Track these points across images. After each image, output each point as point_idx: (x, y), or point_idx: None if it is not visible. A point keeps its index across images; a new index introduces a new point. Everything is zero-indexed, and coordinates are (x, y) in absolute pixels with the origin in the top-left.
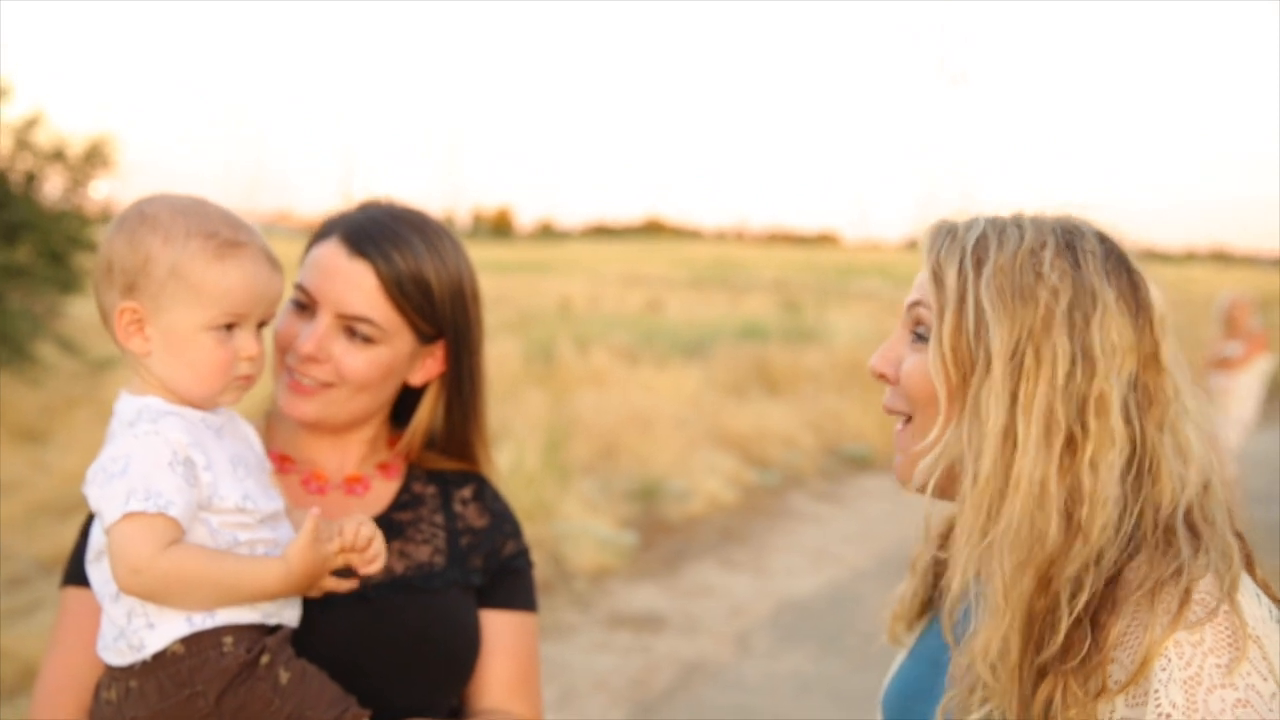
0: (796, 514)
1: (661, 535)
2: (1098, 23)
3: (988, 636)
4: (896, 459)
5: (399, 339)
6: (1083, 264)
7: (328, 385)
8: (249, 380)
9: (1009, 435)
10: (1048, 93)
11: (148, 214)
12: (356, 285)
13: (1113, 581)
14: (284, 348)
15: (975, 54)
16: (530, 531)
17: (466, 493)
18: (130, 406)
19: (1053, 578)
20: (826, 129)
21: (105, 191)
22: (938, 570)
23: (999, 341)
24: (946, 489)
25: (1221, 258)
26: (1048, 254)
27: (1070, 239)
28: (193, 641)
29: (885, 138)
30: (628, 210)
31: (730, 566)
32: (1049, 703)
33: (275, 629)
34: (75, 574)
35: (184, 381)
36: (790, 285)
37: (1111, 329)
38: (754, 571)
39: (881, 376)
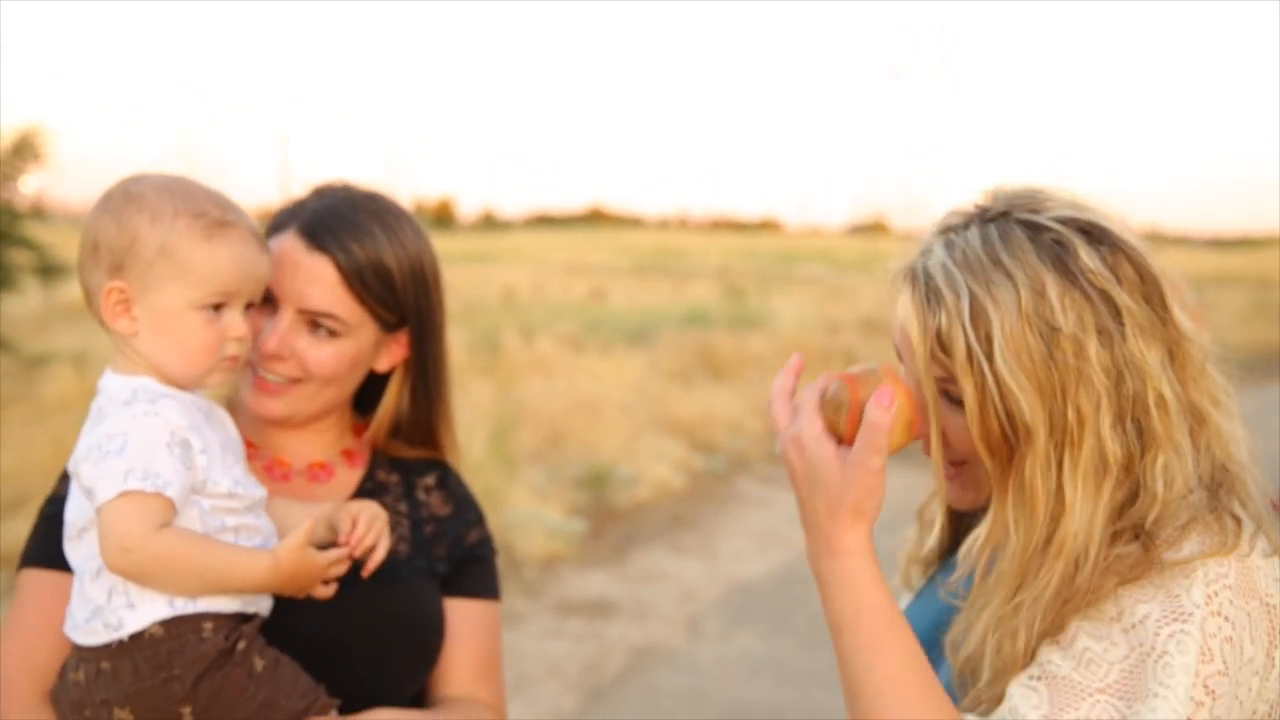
0: (744, 498)
1: (610, 522)
2: (1037, 14)
3: (986, 618)
4: (950, 489)
5: (363, 330)
6: (1090, 282)
7: (295, 381)
8: (236, 361)
9: (1059, 500)
10: (987, 83)
11: (134, 193)
12: (317, 280)
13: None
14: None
15: (914, 49)
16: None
17: (430, 481)
18: (124, 386)
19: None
20: (767, 117)
21: (35, 186)
22: (952, 515)
23: (1030, 414)
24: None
25: (1155, 238)
26: (1052, 295)
27: (1061, 259)
28: (172, 625)
29: (825, 125)
30: (570, 199)
31: (679, 551)
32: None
33: (250, 617)
34: (35, 556)
35: (171, 361)
36: (733, 271)
37: (1138, 335)
38: (703, 556)
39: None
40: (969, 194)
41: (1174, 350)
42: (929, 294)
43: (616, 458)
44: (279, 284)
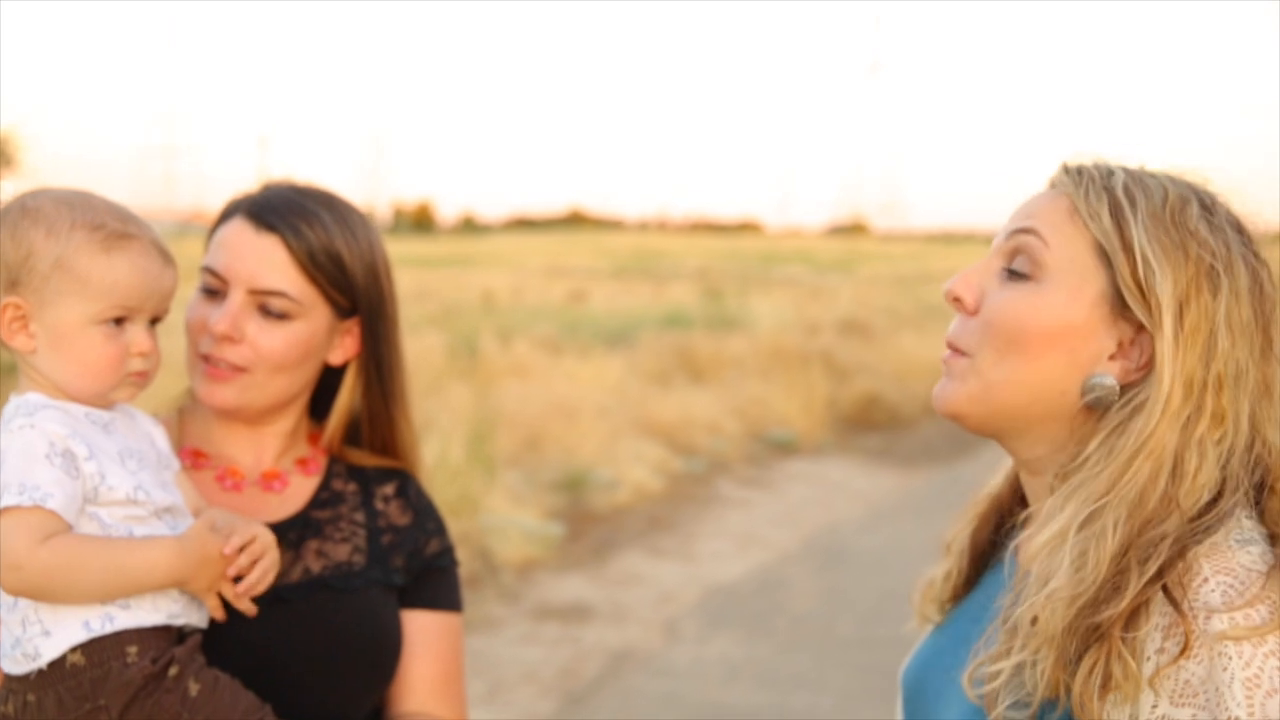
0: (723, 500)
1: (588, 525)
2: (1014, 12)
3: (1063, 584)
4: (943, 385)
5: (315, 313)
6: (1222, 231)
7: (244, 369)
8: (143, 377)
9: (1160, 401)
10: (969, 80)
11: (30, 207)
12: (267, 259)
13: (1182, 556)
14: (197, 334)
15: (893, 45)
16: (456, 525)
17: (389, 490)
18: (10, 406)
19: (1134, 543)
20: (747, 119)
21: (9, 190)
22: (975, 551)
23: (1168, 295)
24: (984, 419)
25: None
26: (1193, 211)
27: (1208, 202)
28: (94, 651)
29: (805, 127)
30: (549, 202)
31: (657, 554)
32: (1092, 668)
33: (184, 636)
34: None
35: (73, 378)
36: (713, 273)
37: (1240, 306)
38: (681, 559)
39: (957, 301)
40: (952, 195)
41: (1258, 362)
42: (1082, 171)
43: (595, 461)
44: (228, 267)
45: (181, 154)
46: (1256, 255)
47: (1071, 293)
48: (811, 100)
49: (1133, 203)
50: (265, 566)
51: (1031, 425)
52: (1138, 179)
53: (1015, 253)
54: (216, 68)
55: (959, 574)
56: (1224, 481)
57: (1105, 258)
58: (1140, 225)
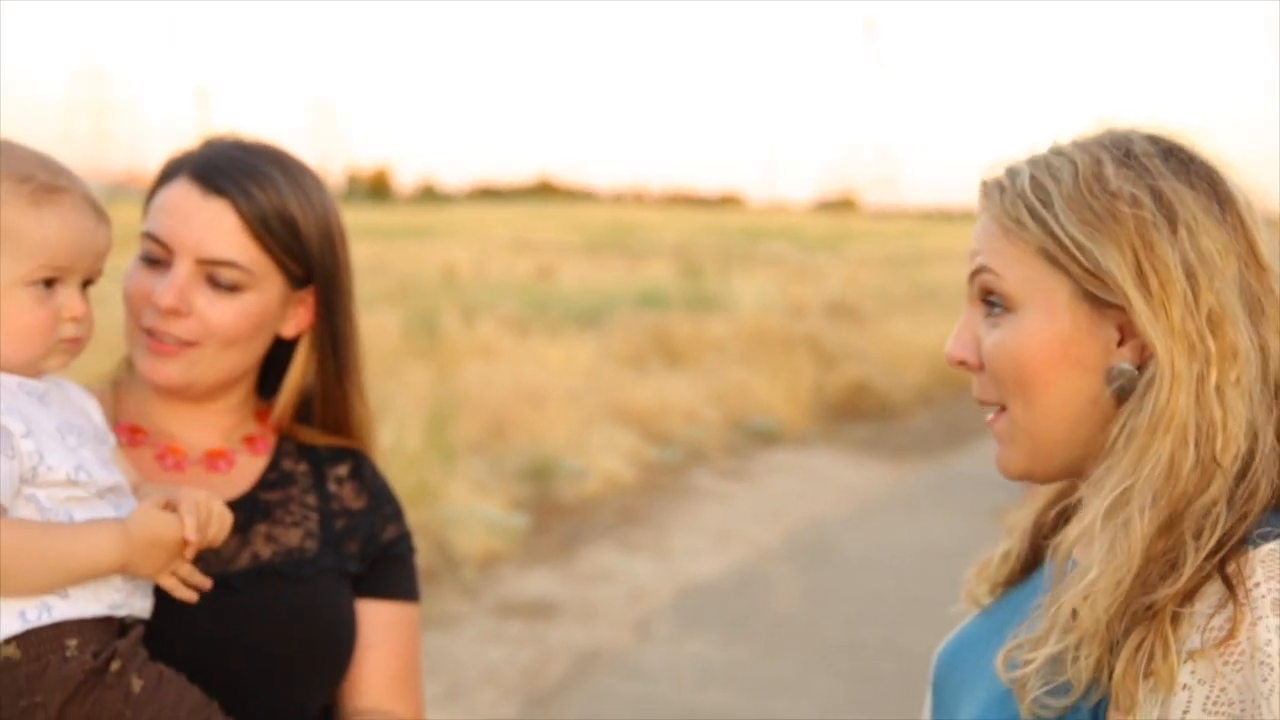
0: (700, 492)
1: (555, 517)
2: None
3: (1099, 574)
4: (999, 452)
5: (268, 283)
6: (1147, 169)
7: (192, 343)
8: (76, 343)
9: (1165, 370)
10: (970, 46)
11: None
12: (215, 226)
13: (1242, 525)
14: (138, 307)
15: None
16: (413, 515)
17: (342, 470)
18: None
19: (1181, 516)
20: (730, 84)
21: None
22: (1036, 533)
23: (1118, 267)
24: (1050, 468)
25: None
26: (1108, 170)
27: (1125, 147)
28: (30, 644)
29: (793, 94)
30: (516, 170)
31: (629, 549)
32: (1137, 649)
33: (126, 628)
34: None
35: (0, 345)
36: (692, 250)
37: (1201, 234)
38: (655, 554)
39: (962, 364)
40: (948, 169)
41: (1244, 277)
42: (995, 186)
43: (563, 449)
44: (172, 233)
45: (113, 110)
46: (1199, 171)
47: (1046, 309)
48: (800, 64)
49: (1045, 195)
50: (218, 529)
51: (1088, 442)
52: (1043, 165)
53: (984, 292)
54: (151, 15)
55: (1018, 557)
56: (1255, 425)
57: (1052, 260)
58: (1060, 214)
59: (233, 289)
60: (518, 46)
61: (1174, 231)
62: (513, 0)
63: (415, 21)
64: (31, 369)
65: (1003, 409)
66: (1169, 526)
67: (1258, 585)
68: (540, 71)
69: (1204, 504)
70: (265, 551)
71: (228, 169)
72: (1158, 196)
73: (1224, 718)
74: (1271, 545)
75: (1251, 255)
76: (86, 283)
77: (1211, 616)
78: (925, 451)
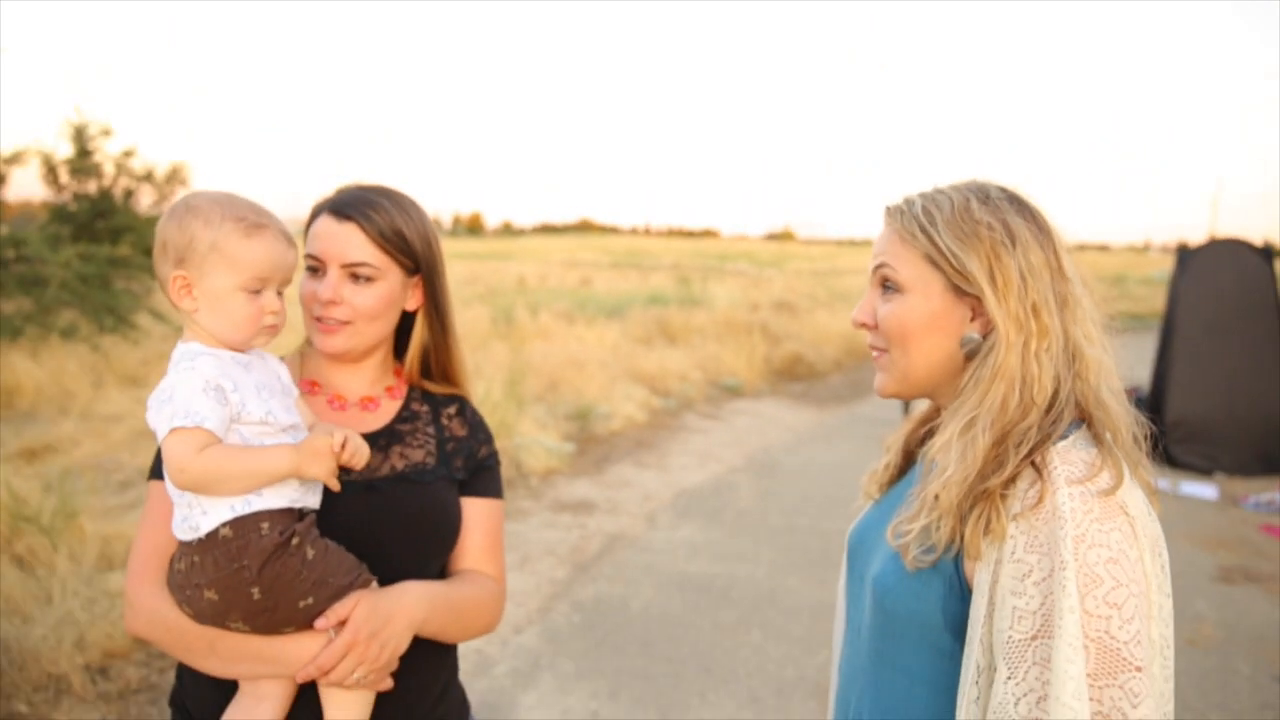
0: (689, 428)
1: (592, 445)
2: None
3: (954, 471)
4: (879, 378)
5: (390, 274)
6: (999, 208)
7: (347, 322)
8: (274, 329)
9: (1003, 340)
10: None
11: (191, 205)
12: (349, 240)
13: (1047, 440)
14: (309, 303)
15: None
16: (496, 444)
17: (452, 410)
18: (178, 351)
19: (1008, 434)
20: (708, 153)
21: None
22: (906, 451)
23: (977, 270)
24: (912, 392)
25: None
26: (974, 205)
27: (983, 193)
28: (237, 527)
29: (749, 160)
30: (566, 213)
31: (642, 466)
32: (979, 517)
33: (302, 515)
34: (158, 471)
35: (224, 330)
36: (683, 266)
37: (1031, 252)
38: (659, 470)
39: (863, 325)
40: (852, 213)
41: (1055, 284)
42: (897, 210)
43: (597, 399)
44: (324, 251)
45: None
46: (1029, 211)
47: (924, 294)
48: (760, 133)
49: (931, 219)
50: (357, 455)
51: (940, 383)
52: (931, 199)
53: (883, 280)
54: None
55: (894, 466)
56: (1058, 378)
57: (933, 262)
58: (941, 232)
59: (368, 280)
60: (572, 128)
61: (1014, 249)
62: (560, 97)
63: (497, 114)
64: (243, 346)
65: (885, 352)
66: (999, 441)
67: (1055, 468)
68: (580, 146)
69: (1023, 428)
70: (399, 464)
71: (353, 203)
72: (1005, 225)
73: (1037, 553)
74: (1065, 442)
75: (1059, 268)
76: (281, 286)
77: (1027, 491)
78: (838, 401)
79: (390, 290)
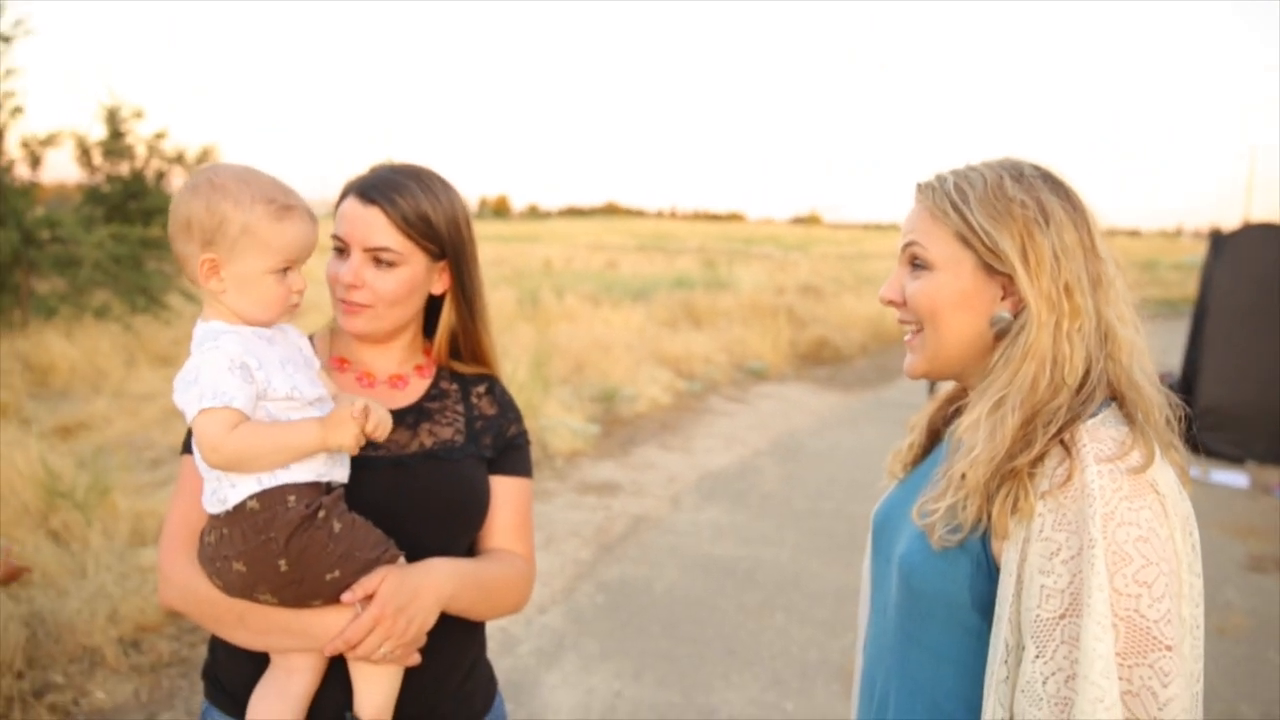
0: (714, 411)
1: (617, 427)
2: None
3: (982, 449)
4: (909, 359)
5: (414, 259)
6: (1032, 185)
7: (369, 305)
8: (296, 307)
9: (1035, 319)
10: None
11: (217, 183)
12: (373, 224)
13: (1076, 419)
14: (334, 285)
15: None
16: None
17: (481, 389)
18: (199, 331)
19: (1037, 414)
20: (735, 136)
21: None
22: (930, 430)
23: (1010, 248)
24: (942, 373)
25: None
26: (1007, 183)
27: (1017, 171)
28: (265, 498)
29: (776, 144)
30: (592, 196)
31: (666, 448)
32: (1006, 496)
33: (330, 489)
34: (189, 445)
35: (252, 310)
36: (708, 250)
37: (1065, 231)
38: (683, 452)
39: (891, 303)
40: (877, 197)
41: (1088, 263)
42: (928, 187)
43: (622, 381)
44: (348, 233)
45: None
46: (1063, 190)
47: (954, 272)
48: (788, 116)
49: (964, 196)
50: (381, 425)
51: (969, 363)
52: (963, 176)
53: (912, 258)
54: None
55: (919, 446)
56: (1090, 358)
57: (964, 240)
58: (974, 210)
59: (391, 265)
60: (598, 112)
61: (1047, 227)
62: (590, 81)
63: (526, 98)
64: (271, 324)
65: (919, 331)
66: (1028, 420)
67: (1084, 446)
68: (607, 129)
69: (1052, 407)
70: (428, 442)
71: (379, 185)
72: (1039, 203)
73: (1065, 531)
74: (1094, 420)
75: (1093, 248)
76: (302, 264)
77: (1055, 469)
78: (864, 385)
79: (413, 275)
